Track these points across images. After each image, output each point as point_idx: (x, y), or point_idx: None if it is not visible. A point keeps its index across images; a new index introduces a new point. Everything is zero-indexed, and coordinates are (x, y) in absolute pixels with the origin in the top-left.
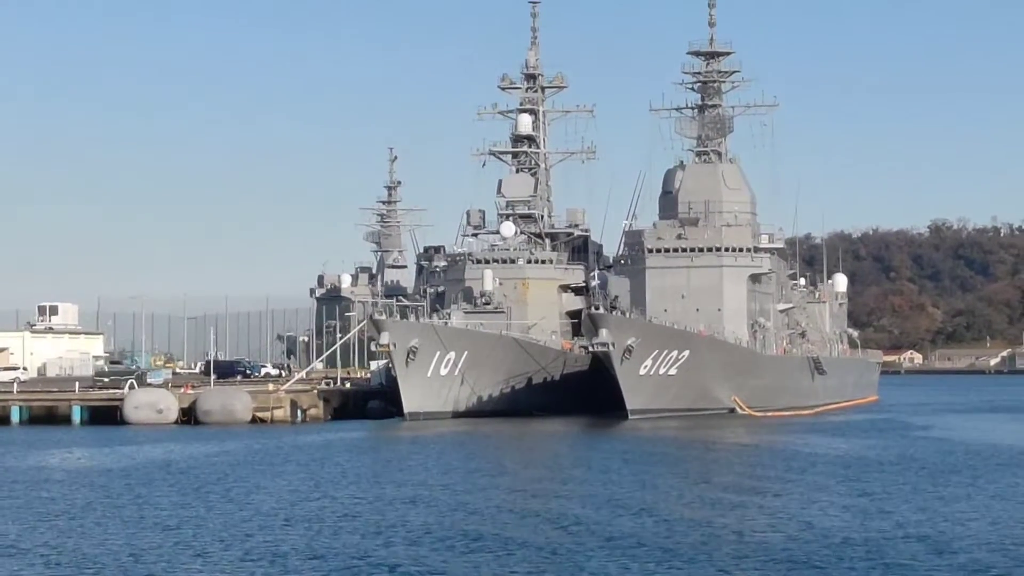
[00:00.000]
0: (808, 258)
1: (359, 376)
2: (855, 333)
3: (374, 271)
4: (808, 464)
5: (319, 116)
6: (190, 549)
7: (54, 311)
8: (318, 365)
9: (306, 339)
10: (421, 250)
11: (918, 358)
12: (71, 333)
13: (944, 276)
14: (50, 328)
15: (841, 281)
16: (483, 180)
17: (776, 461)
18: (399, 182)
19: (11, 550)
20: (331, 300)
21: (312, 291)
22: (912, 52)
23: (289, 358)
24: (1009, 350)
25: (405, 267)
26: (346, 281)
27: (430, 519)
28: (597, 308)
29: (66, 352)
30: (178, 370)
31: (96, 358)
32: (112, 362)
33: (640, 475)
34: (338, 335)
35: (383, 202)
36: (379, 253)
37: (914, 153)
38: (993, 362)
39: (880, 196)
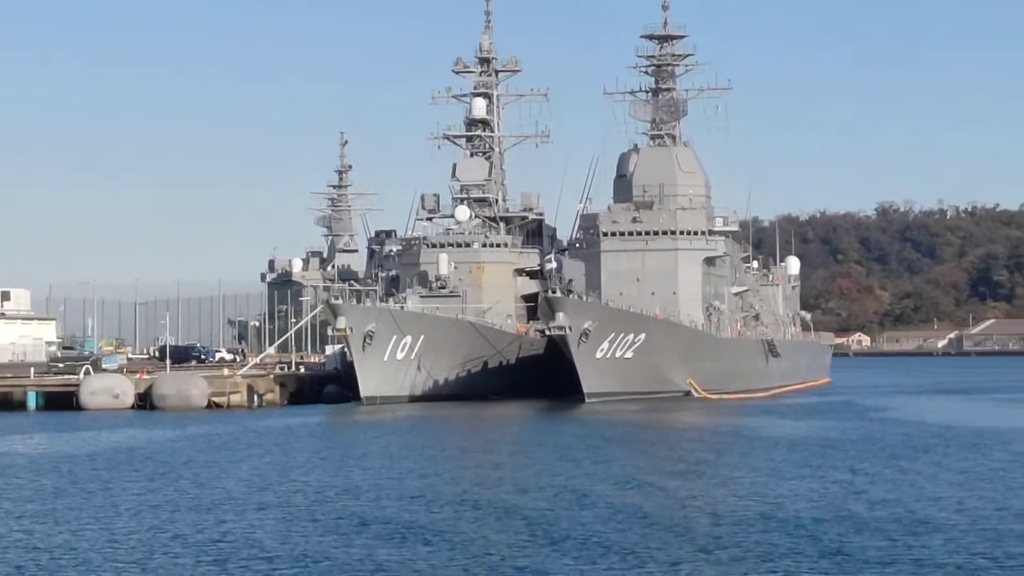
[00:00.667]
0: (756, 241)
1: (313, 361)
2: (808, 316)
3: (325, 255)
4: (771, 446)
5: (269, 99)
6: (165, 533)
7: (6, 296)
8: (271, 350)
9: (257, 324)
10: (372, 234)
11: (866, 340)
12: (23, 319)
13: (891, 258)
14: (2, 314)
15: (794, 264)
16: (437, 164)
17: (738, 443)
18: (350, 166)
19: None
20: (282, 285)
21: (263, 276)
22: (860, 36)
23: (240, 343)
24: (956, 332)
25: (356, 251)
26: (297, 266)
27: (402, 504)
28: (554, 292)
29: (19, 338)
30: (129, 356)
31: (49, 344)
32: (64, 347)
33: (605, 459)
34: (291, 320)
35: (334, 186)
36: (330, 237)
37: (861, 136)
38: (940, 344)
39: (827, 179)
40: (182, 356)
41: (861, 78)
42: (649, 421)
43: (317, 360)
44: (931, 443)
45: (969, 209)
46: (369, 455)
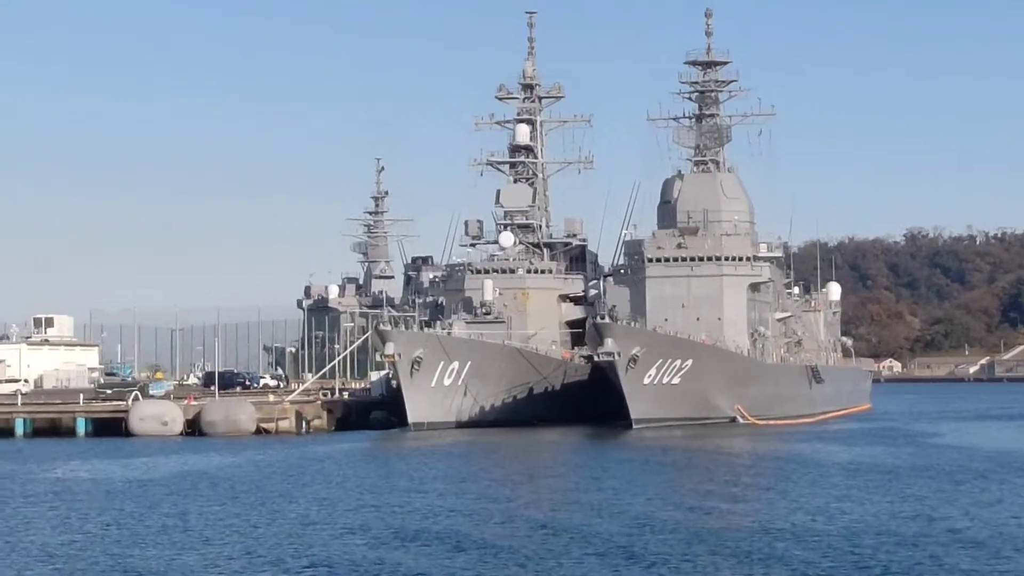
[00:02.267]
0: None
1: (355, 387)
2: (849, 342)
3: (361, 282)
4: (838, 472)
5: (306, 125)
6: (256, 558)
7: (49, 323)
8: (314, 377)
9: (294, 350)
10: (409, 260)
11: (897, 366)
12: (67, 345)
13: (920, 284)
14: (46, 340)
15: (835, 290)
16: (474, 191)
17: (804, 469)
18: (386, 192)
19: (74, 559)
20: (319, 311)
21: (299, 302)
22: (885, 61)
23: (276, 369)
24: (988, 358)
25: (392, 277)
26: (334, 292)
27: (479, 528)
28: (603, 318)
29: (63, 364)
30: (181, 382)
31: (91, 370)
32: (107, 374)
33: (677, 487)
34: (329, 346)
35: (370, 212)
36: (366, 264)
37: (889, 162)
38: (972, 370)
39: (856, 204)
40: (227, 382)
41: (889, 104)
42: (705, 447)
43: (358, 386)
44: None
45: (999, 235)
46: (431, 479)
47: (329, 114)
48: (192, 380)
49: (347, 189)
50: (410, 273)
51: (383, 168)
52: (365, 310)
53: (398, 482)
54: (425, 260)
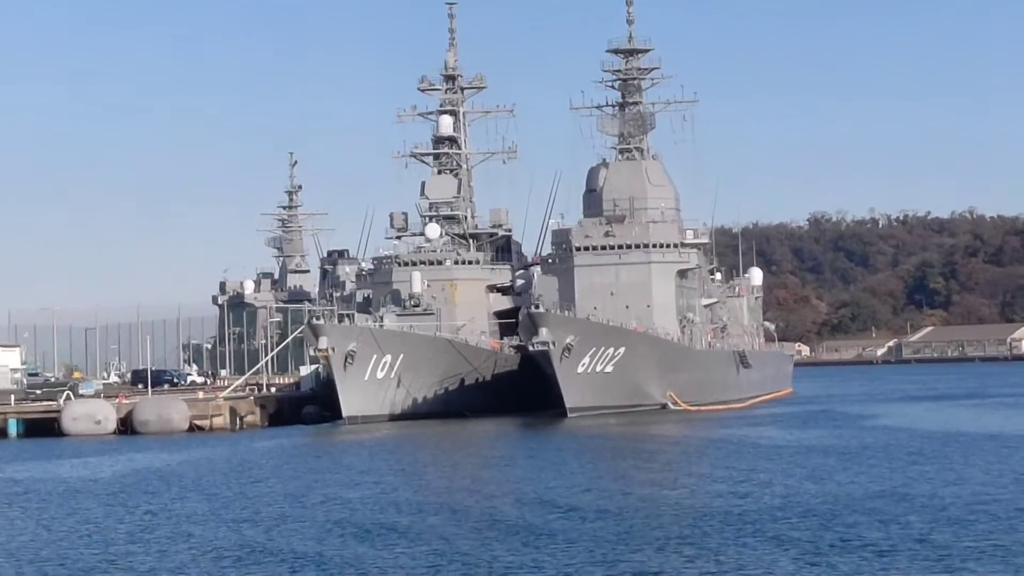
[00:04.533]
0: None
1: (280, 382)
2: (772, 326)
3: (276, 276)
4: (786, 454)
5: (221, 120)
6: (247, 552)
7: None
8: (223, 372)
9: (210, 346)
10: (324, 254)
11: (805, 350)
12: None
13: (825, 268)
14: None
15: (756, 275)
16: (393, 183)
17: (750, 452)
18: (300, 186)
19: (63, 559)
20: (235, 307)
21: (215, 298)
22: (783, 47)
23: (192, 366)
24: (895, 340)
25: (308, 271)
26: (249, 287)
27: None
28: (537, 307)
29: None
30: (111, 380)
31: (14, 371)
32: (30, 374)
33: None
34: (247, 341)
35: (284, 207)
36: (281, 258)
37: (791, 147)
38: (880, 352)
39: (759, 190)
40: (155, 380)
41: (785, 88)
42: (649, 433)
43: (283, 381)
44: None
45: (901, 218)
46: (389, 472)
47: (242, 108)
48: (113, 379)
49: (261, 184)
50: (326, 267)
51: (296, 162)
52: (282, 305)
53: (354, 476)
54: (341, 253)
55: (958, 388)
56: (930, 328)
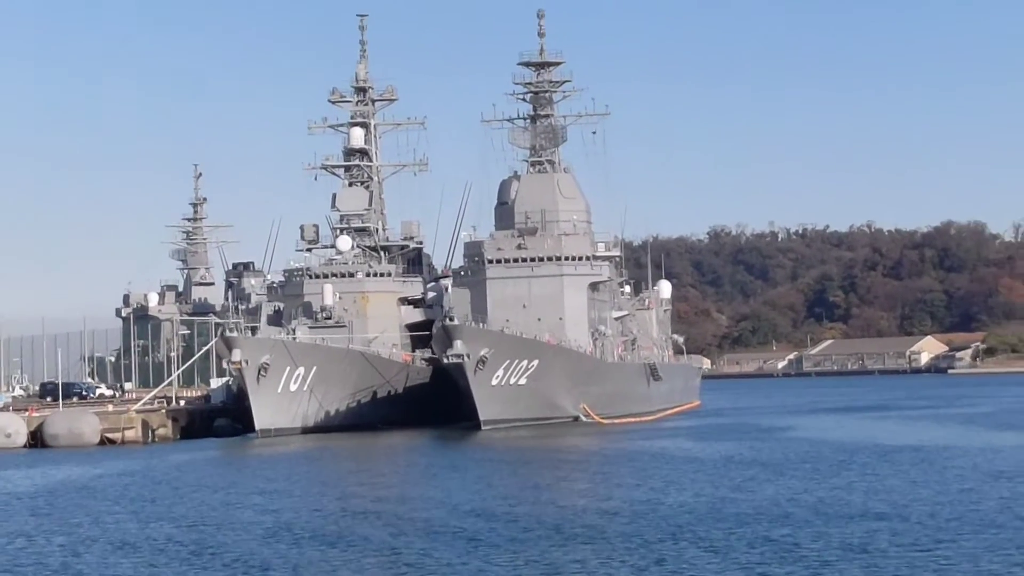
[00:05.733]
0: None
1: (188, 395)
2: (680, 339)
3: (181, 288)
4: (707, 466)
5: (125, 131)
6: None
7: None
8: (128, 385)
9: (113, 359)
10: (230, 266)
11: (706, 363)
12: None
13: (725, 282)
14: None
15: (666, 288)
16: (299, 196)
17: (661, 464)
18: (204, 199)
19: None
20: (139, 319)
21: (118, 311)
22: (688, 59)
23: (94, 379)
24: (796, 353)
25: (213, 284)
26: (153, 300)
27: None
28: (451, 320)
29: None
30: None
31: None
32: None
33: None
34: (151, 354)
35: (188, 219)
36: (186, 271)
37: (691, 160)
38: (781, 365)
39: (659, 204)
40: (64, 393)
41: (684, 100)
42: (566, 446)
43: (192, 394)
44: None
45: (800, 231)
46: (312, 482)
47: (147, 119)
48: (18, 392)
49: (165, 196)
50: (231, 279)
51: (200, 174)
52: (187, 317)
53: (277, 486)
54: (247, 266)
55: (862, 400)
56: (830, 341)
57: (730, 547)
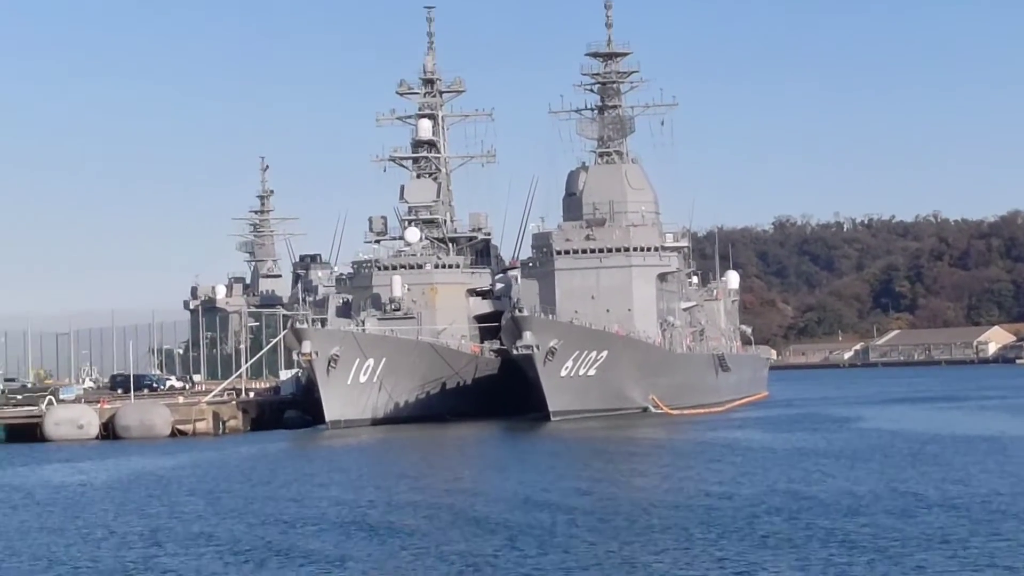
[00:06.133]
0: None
1: (256, 386)
2: (748, 330)
3: (248, 281)
4: (782, 456)
5: (192, 124)
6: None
7: None
8: (196, 377)
9: (181, 351)
10: (296, 259)
11: (772, 354)
12: None
13: (790, 272)
14: None
15: (733, 278)
16: (365, 188)
17: (735, 455)
18: (271, 191)
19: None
20: (207, 312)
21: (186, 303)
22: (758, 50)
23: (162, 371)
24: (862, 343)
25: (280, 276)
26: (221, 292)
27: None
28: (521, 311)
29: None
30: (92, 383)
31: None
32: (7, 379)
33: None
34: (219, 346)
35: (256, 211)
36: (253, 263)
37: (756, 151)
38: (847, 356)
39: (724, 194)
40: (135, 385)
41: (753, 90)
42: (638, 437)
43: (261, 386)
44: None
45: (866, 222)
46: (373, 475)
47: (215, 113)
48: (88, 384)
49: (233, 189)
50: (298, 271)
51: (267, 167)
52: (254, 309)
53: (352, 478)
54: (313, 258)
55: (932, 391)
56: (896, 331)
57: (810, 536)
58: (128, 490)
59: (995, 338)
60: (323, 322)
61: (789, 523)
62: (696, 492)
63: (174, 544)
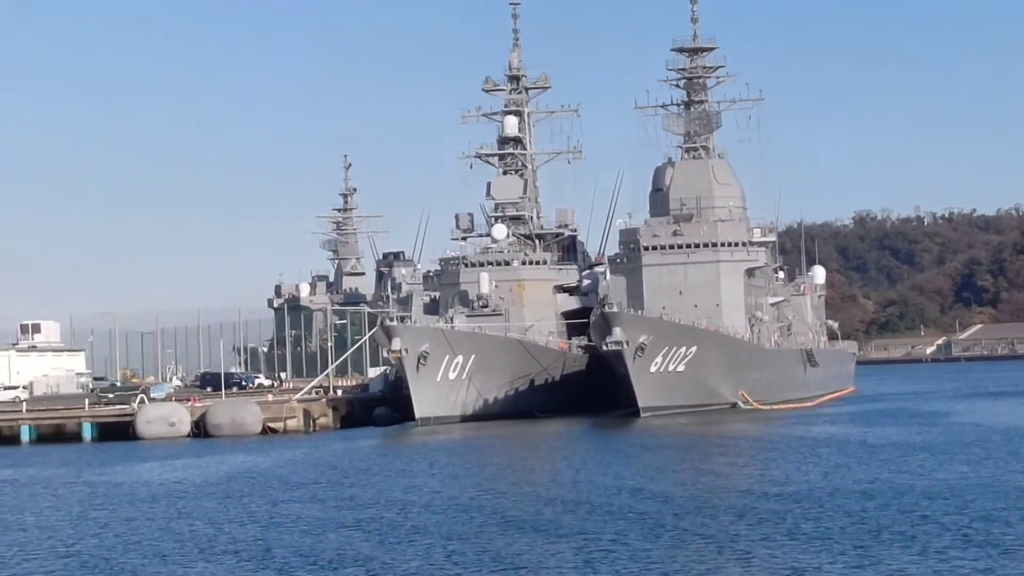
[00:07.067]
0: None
1: (343, 384)
2: (835, 325)
3: (331, 279)
4: (886, 451)
5: (275, 123)
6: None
7: (36, 329)
8: (282, 375)
9: (265, 349)
10: (380, 257)
11: (854, 349)
12: (54, 351)
13: (871, 267)
14: (33, 346)
15: (820, 273)
16: (463, 184)
17: (832, 449)
18: (354, 189)
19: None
20: (291, 310)
21: (270, 301)
22: (838, 46)
23: (247, 369)
24: (944, 338)
25: (363, 274)
26: (305, 290)
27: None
28: (611, 307)
29: (51, 370)
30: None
31: (79, 375)
32: (96, 378)
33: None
34: (304, 344)
35: (339, 210)
36: (336, 261)
37: (835, 145)
38: (929, 351)
39: (804, 190)
40: (224, 383)
41: (821, 88)
42: (734, 433)
43: (348, 383)
44: None
45: (946, 215)
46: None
47: (298, 111)
48: (175, 382)
49: (316, 187)
50: (382, 269)
51: (350, 164)
52: (338, 307)
53: (457, 473)
54: (397, 256)
55: (1021, 385)
56: (979, 326)
57: (921, 530)
58: (231, 486)
59: None
60: (405, 319)
61: (900, 515)
62: (800, 485)
63: (288, 537)
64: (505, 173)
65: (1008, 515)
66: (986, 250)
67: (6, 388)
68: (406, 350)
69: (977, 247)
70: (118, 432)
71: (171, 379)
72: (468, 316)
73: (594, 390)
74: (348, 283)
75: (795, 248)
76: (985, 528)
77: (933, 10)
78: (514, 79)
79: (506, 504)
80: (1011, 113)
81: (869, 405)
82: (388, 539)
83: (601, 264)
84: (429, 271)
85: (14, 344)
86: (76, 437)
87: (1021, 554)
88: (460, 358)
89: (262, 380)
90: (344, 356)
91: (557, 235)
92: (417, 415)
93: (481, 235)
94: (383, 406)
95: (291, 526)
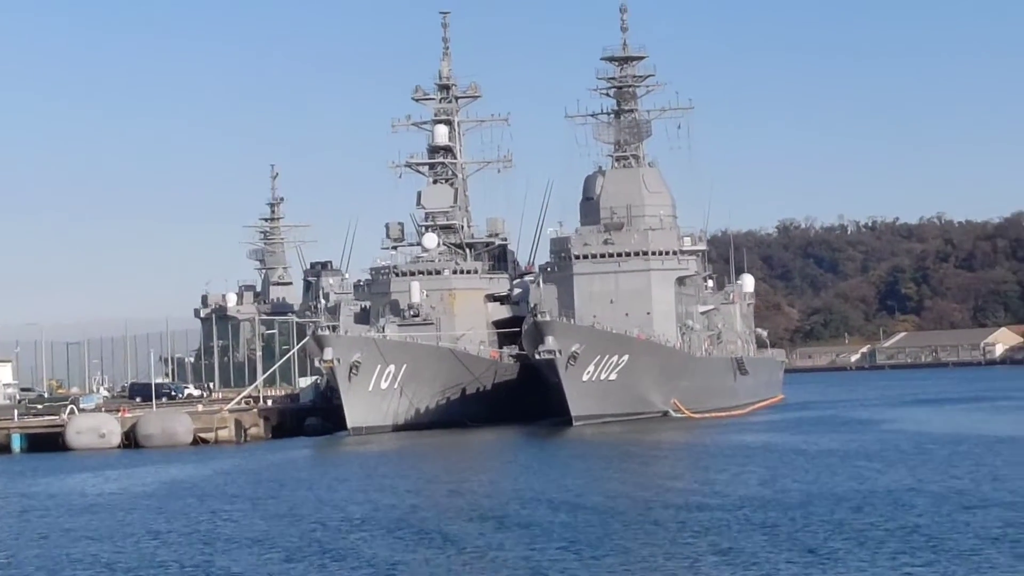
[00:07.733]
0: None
1: (273, 394)
2: (764, 333)
3: (259, 289)
4: (820, 459)
5: (201, 133)
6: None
7: None
8: (210, 385)
9: (192, 359)
10: (308, 266)
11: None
12: None
13: (795, 275)
14: None
15: (749, 282)
16: (392, 193)
17: (768, 457)
18: (281, 198)
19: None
20: (218, 320)
21: (196, 311)
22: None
23: (172, 379)
24: (869, 346)
25: (291, 284)
26: (232, 300)
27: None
28: (543, 316)
29: None
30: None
31: (7, 386)
32: (23, 389)
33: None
34: (231, 354)
35: (266, 219)
36: (263, 270)
37: (758, 154)
38: (854, 358)
39: (729, 198)
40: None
41: (752, 95)
42: (664, 441)
43: (277, 393)
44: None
45: (869, 224)
46: (424, 481)
47: (224, 120)
48: (103, 393)
49: (243, 196)
50: (309, 279)
51: (277, 174)
52: (266, 317)
53: (387, 483)
54: (324, 265)
55: (945, 393)
56: (903, 334)
57: (871, 537)
58: (166, 499)
59: (1002, 339)
60: (335, 329)
61: (847, 521)
62: (738, 495)
63: (225, 552)
64: (435, 182)
65: (953, 519)
66: (909, 258)
67: None
68: (338, 360)
69: (900, 255)
70: (48, 443)
71: (97, 389)
72: (399, 326)
73: (526, 399)
74: (275, 293)
75: (721, 257)
76: (933, 532)
77: (857, 20)
78: (444, 88)
79: (434, 516)
80: (933, 123)
81: (800, 413)
82: (329, 551)
83: (532, 273)
84: (359, 280)
85: None
86: (5, 448)
87: (970, 557)
88: (392, 368)
89: (192, 390)
90: (275, 366)
91: (488, 244)
92: (349, 425)
93: (412, 244)
94: (314, 416)
95: (234, 538)
